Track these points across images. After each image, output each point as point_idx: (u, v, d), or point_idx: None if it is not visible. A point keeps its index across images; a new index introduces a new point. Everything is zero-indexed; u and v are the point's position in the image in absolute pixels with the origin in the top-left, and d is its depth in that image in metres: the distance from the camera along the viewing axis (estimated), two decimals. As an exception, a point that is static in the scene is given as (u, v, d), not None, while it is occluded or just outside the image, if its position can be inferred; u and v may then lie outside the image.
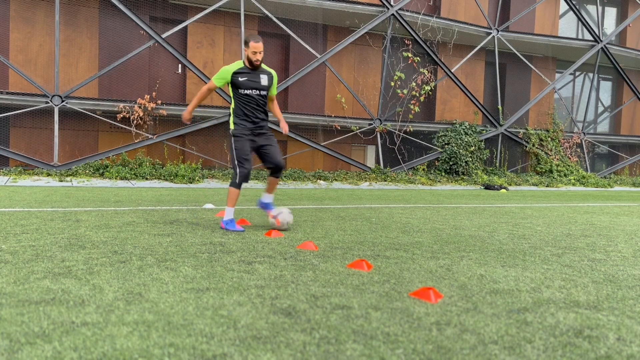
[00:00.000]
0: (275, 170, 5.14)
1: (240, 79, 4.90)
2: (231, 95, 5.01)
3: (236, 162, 4.89)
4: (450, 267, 3.54)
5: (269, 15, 14.06)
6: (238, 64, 4.96)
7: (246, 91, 4.93)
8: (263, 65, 5.05)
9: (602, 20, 19.54)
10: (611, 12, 21.13)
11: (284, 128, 5.19)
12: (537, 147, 18.03)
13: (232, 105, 5.02)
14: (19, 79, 13.01)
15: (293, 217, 5.29)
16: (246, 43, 4.91)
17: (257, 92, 4.97)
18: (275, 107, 5.40)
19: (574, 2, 18.39)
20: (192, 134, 14.25)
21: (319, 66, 15.03)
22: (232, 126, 5.02)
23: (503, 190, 14.28)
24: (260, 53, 4.87)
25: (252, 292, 2.71)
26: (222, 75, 4.94)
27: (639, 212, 8.54)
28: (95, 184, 11.15)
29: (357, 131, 15.61)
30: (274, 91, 5.19)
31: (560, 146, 18.48)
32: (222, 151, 14.90)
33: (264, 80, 5.00)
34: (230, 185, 4.93)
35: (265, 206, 5.28)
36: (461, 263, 3.69)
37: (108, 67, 13.09)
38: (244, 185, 5.13)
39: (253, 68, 4.94)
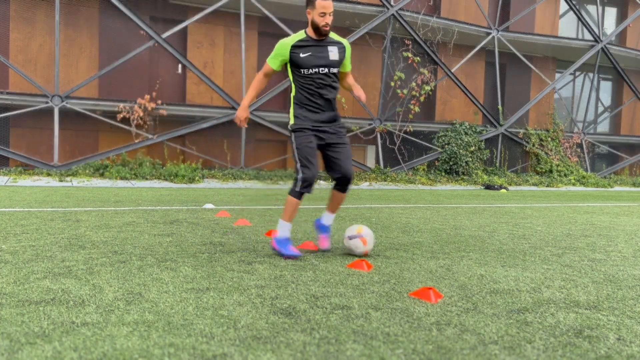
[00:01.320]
0: (343, 182, 3.89)
1: (301, 54, 3.70)
2: (291, 79, 3.86)
3: (298, 165, 3.71)
4: (450, 267, 3.54)
5: (269, 15, 14.06)
6: (299, 35, 3.78)
7: (310, 70, 3.72)
8: (332, 34, 3.82)
9: (602, 20, 19.53)
10: (611, 12, 21.13)
11: (362, 95, 3.84)
12: (537, 147, 18.03)
13: (292, 92, 3.84)
14: (19, 79, 13.01)
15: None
16: (310, 2, 3.68)
17: (326, 70, 3.74)
18: (349, 80, 4.05)
19: (574, 2, 18.39)
20: (192, 134, 14.25)
21: (319, 66, 15.00)
22: (291, 119, 3.82)
23: (503, 191, 14.28)
24: (330, 15, 3.66)
25: (252, 292, 2.71)
26: (278, 51, 3.77)
27: (639, 212, 8.54)
28: (95, 184, 11.15)
29: (357, 131, 15.61)
30: (347, 66, 3.94)
31: (560, 146, 18.49)
32: (222, 151, 14.90)
33: (333, 53, 3.76)
34: (289, 193, 3.74)
35: (323, 229, 4.05)
36: (461, 263, 3.69)
37: (108, 67, 13.09)
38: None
39: (319, 38, 3.73)
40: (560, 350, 2.02)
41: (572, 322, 2.37)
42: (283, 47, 3.73)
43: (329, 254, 3.89)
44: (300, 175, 3.67)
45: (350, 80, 4.01)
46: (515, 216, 7.17)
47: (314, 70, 3.72)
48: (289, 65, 3.80)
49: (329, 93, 3.77)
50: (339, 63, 3.79)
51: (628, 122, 21.55)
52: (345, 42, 3.88)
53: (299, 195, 3.71)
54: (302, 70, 3.72)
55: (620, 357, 1.97)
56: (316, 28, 3.68)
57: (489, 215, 7.14)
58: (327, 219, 4.01)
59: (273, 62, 3.81)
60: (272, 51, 3.83)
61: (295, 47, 3.71)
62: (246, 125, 3.97)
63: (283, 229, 3.74)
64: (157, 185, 11.74)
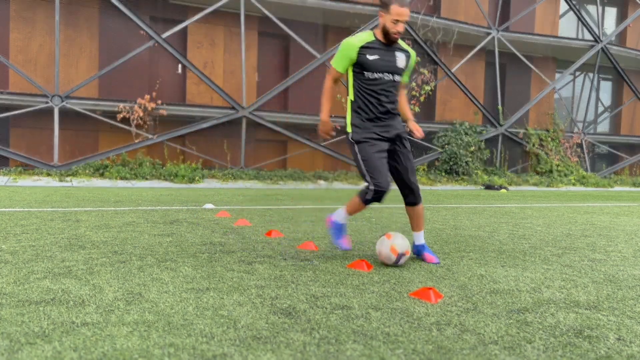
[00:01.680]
0: (410, 194, 3.70)
1: (369, 57, 3.46)
2: (350, 82, 3.57)
3: (368, 177, 3.49)
4: (450, 267, 3.54)
5: (269, 15, 14.07)
6: (367, 36, 3.52)
7: (376, 74, 3.49)
8: (400, 41, 3.63)
9: (602, 20, 19.54)
10: (611, 12, 21.13)
11: (418, 131, 3.78)
12: (537, 147, 18.03)
13: (350, 97, 3.59)
14: (19, 79, 13.01)
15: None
16: (385, 5, 3.45)
17: (391, 76, 3.52)
18: (402, 100, 3.82)
19: (574, 2, 18.39)
20: (192, 134, 14.25)
21: (319, 66, 15.02)
22: (349, 127, 3.60)
23: (503, 191, 14.27)
24: (404, 23, 3.47)
25: (252, 292, 2.71)
26: (345, 52, 3.49)
27: (639, 212, 8.54)
28: (95, 184, 11.15)
29: (357, 131, 15.60)
30: (406, 77, 3.73)
31: (561, 146, 18.49)
32: (222, 151, 14.90)
33: (400, 60, 3.56)
34: (359, 195, 3.56)
35: (422, 249, 3.75)
36: (461, 263, 3.69)
37: (108, 67, 13.09)
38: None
39: (388, 43, 3.52)
40: (560, 350, 2.02)
41: (572, 322, 2.37)
42: (350, 47, 3.46)
43: (329, 254, 3.90)
44: (372, 187, 3.45)
45: (403, 98, 3.82)
46: (515, 216, 7.17)
47: (379, 75, 3.48)
48: (350, 68, 3.54)
49: (392, 98, 3.55)
50: (402, 71, 3.59)
51: (628, 122, 21.55)
52: (411, 51, 3.67)
53: (366, 202, 3.54)
54: (366, 73, 3.47)
55: (620, 357, 1.97)
56: (386, 33, 3.47)
57: (489, 215, 7.14)
58: (418, 238, 3.76)
59: (339, 64, 3.52)
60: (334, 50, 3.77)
61: (364, 49, 3.46)
62: (333, 134, 3.77)
63: (341, 216, 3.68)
64: (157, 185, 11.74)
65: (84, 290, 2.65)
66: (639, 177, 19.99)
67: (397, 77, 3.55)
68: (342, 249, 3.66)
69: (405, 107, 3.83)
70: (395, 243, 3.45)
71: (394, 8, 3.38)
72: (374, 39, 3.51)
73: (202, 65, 14.72)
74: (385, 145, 3.55)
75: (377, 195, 3.47)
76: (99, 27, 13.97)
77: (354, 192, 11.75)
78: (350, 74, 3.53)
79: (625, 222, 6.86)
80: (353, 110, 3.57)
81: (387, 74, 3.50)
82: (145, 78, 14.35)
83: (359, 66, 3.49)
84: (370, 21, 15.09)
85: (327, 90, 3.64)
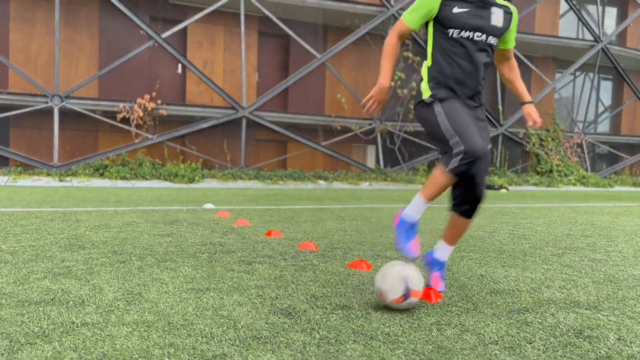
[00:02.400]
0: (469, 201, 2.77)
1: (454, 9, 2.67)
2: (429, 40, 2.77)
3: (456, 138, 2.58)
4: (450, 267, 3.53)
5: (269, 15, 14.06)
6: None
7: (463, 33, 2.69)
8: None
9: (603, 20, 19.54)
10: (611, 12, 21.13)
11: (536, 121, 2.91)
12: (537, 147, 18.03)
13: (428, 63, 2.80)
14: (19, 79, 13.01)
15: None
16: None
17: (483, 36, 2.71)
18: (513, 73, 3.03)
19: (574, 2, 18.39)
20: (192, 134, 14.25)
21: (319, 66, 15.02)
22: (425, 94, 2.78)
23: (503, 190, 14.27)
24: None
25: (252, 292, 2.71)
26: (424, 2, 2.71)
27: (639, 212, 8.54)
28: (95, 184, 11.15)
29: (357, 131, 15.61)
30: (511, 41, 2.91)
31: (561, 146, 18.49)
32: (222, 151, 14.90)
33: (496, 16, 2.73)
34: (441, 164, 2.65)
35: (436, 265, 2.92)
36: (461, 263, 3.69)
37: (108, 67, 13.09)
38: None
39: None
40: (560, 350, 2.02)
41: (572, 322, 2.37)
42: None
43: (329, 254, 3.89)
44: (461, 147, 2.53)
45: (514, 71, 3.00)
46: (516, 216, 7.17)
47: (466, 33, 2.68)
48: (431, 24, 2.75)
49: (480, 67, 2.72)
50: (501, 32, 2.76)
51: (628, 122, 21.55)
52: (513, 8, 2.83)
53: (456, 171, 2.56)
54: (450, 30, 2.68)
55: (620, 358, 1.97)
56: None
57: (489, 215, 7.14)
58: (443, 252, 2.89)
59: (413, 17, 2.74)
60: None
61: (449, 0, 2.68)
62: (377, 109, 2.92)
63: (416, 208, 2.69)
64: (157, 185, 11.74)
65: (84, 290, 2.65)
66: (639, 177, 19.98)
67: (491, 39, 2.73)
68: (410, 256, 2.64)
69: (517, 83, 3.00)
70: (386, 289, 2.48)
71: None
72: None
73: (202, 65, 14.72)
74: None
75: (469, 158, 2.52)
76: (98, 27, 13.97)
77: (355, 192, 11.69)
78: (431, 30, 2.76)
79: (626, 222, 6.85)
80: (430, 77, 2.76)
81: (477, 33, 2.69)
82: (145, 78, 14.35)
83: (441, 21, 2.70)
84: (370, 21, 15.08)
85: (391, 48, 2.81)
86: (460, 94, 2.73)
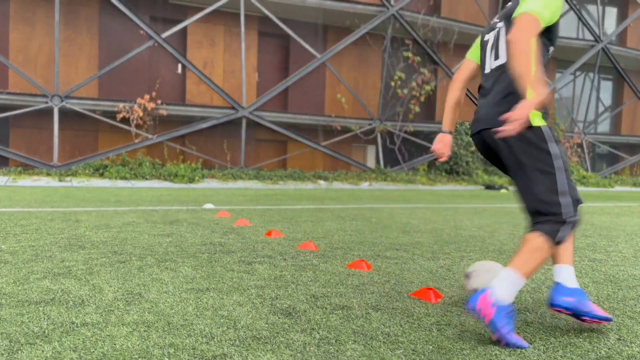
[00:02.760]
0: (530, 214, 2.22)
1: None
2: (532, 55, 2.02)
3: (567, 198, 2.15)
4: (450, 267, 3.53)
5: (269, 15, 14.06)
6: None
7: (552, 49, 2.36)
8: None
9: (603, 20, 19.54)
10: (611, 12, 21.13)
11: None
12: (537, 147, 18.04)
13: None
14: (19, 79, 13.01)
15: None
16: None
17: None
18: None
19: (574, 2, 18.38)
20: (192, 134, 14.25)
21: (319, 66, 15.02)
22: (538, 118, 2.18)
23: (503, 190, 14.27)
24: None
25: (252, 292, 2.71)
26: (558, 2, 2.22)
27: None
28: (95, 184, 11.15)
29: (357, 131, 15.61)
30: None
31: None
32: (222, 151, 14.89)
33: None
34: (544, 235, 2.12)
35: (582, 310, 2.23)
36: (461, 263, 3.69)
37: (108, 67, 13.09)
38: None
39: None
40: (560, 350, 2.02)
41: (572, 322, 2.37)
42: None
43: (329, 254, 3.89)
44: (575, 216, 2.15)
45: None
46: (516, 216, 7.17)
47: (552, 50, 2.35)
48: (543, 33, 2.23)
49: None
50: None
51: (628, 122, 21.55)
52: None
53: (564, 239, 2.16)
54: (551, 48, 2.32)
55: (620, 357, 1.97)
56: None
57: (490, 215, 7.14)
58: (569, 281, 2.29)
59: (544, 16, 2.13)
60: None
61: None
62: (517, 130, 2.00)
63: (511, 288, 2.10)
64: (157, 185, 11.74)
65: (84, 291, 2.65)
66: (639, 177, 19.98)
67: None
68: (524, 347, 2.05)
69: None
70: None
71: None
72: None
73: (202, 65, 14.72)
74: None
75: (578, 221, 2.18)
76: (98, 27, 13.97)
77: (355, 192, 11.71)
78: (542, 39, 2.24)
79: (626, 222, 6.85)
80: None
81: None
82: (145, 78, 14.35)
83: (550, 33, 2.26)
84: (370, 21, 15.08)
85: (532, 48, 2.02)
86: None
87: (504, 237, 5.08)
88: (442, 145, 2.56)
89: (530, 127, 2.14)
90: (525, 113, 1.97)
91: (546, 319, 2.42)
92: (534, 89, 1.99)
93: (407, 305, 2.58)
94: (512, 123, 1.98)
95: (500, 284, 2.09)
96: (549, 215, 2.13)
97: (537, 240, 2.12)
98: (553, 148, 2.16)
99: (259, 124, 14.35)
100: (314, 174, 14.69)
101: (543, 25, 2.12)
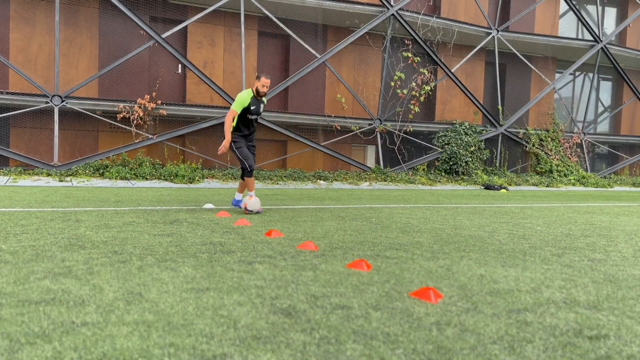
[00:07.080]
0: None
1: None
2: None
3: (249, 159, 6.70)
4: (450, 267, 3.54)
5: (269, 15, 14.06)
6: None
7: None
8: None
9: (602, 20, 19.53)
10: (611, 12, 21.13)
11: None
12: (537, 147, 18.03)
13: None
14: (19, 79, 13.01)
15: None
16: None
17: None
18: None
19: (574, 2, 18.39)
20: (192, 134, 14.25)
21: (319, 66, 15.02)
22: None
23: (503, 190, 14.27)
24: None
25: (252, 292, 2.71)
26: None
27: (639, 212, 8.54)
28: (95, 184, 11.15)
29: (357, 131, 15.61)
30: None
31: (560, 146, 18.49)
32: (222, 151, 14.88)
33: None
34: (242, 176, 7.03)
35: None
36: (461, 263, 3.69)
37: (108, 67, 13.09)
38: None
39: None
40: (560, 350, 2.02)
41: (572, 322, 2.37)
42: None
43: (329, 254, 3.89)
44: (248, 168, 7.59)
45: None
46: (515, 216, 7.17)
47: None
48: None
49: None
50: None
51: (628, 122, 21.56)
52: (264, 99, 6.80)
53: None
54: (248, 114, 7.52)
55: (620, 357, 1.97)
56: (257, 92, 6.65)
57: (489, 215, 7.14)
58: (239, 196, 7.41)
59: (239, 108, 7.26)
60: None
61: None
62: None
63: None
64: (157, 185, 11.74)
65: (84, 290, 2.65)
66: (638, 177, 19.99)
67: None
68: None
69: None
70: None
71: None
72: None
73: (202, 65, 14.72)
74: None
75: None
76: (98, 27, 13.97)
77: (355, 192, 11.68)
78: None
79: (625, 222, 6.86)
80: None
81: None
82: (145, 78, 14.35)
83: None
84: (370, 21, 15.08)
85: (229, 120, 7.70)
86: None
87: (503, 237, 5.08)
88: None
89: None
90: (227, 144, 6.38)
91: (546, 318, 2.43)
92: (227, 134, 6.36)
93: (406, 305, 2.58)
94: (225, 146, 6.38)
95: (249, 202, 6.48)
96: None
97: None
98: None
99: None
100: (314, 174, 14.69)
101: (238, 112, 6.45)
